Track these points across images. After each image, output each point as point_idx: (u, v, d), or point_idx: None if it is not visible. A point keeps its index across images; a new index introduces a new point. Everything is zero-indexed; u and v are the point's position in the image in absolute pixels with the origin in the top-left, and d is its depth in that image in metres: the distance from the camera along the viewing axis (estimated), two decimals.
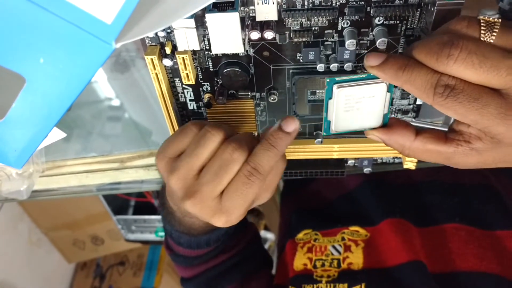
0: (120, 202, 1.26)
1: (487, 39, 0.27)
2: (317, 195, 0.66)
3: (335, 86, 0.32)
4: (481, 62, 0.26)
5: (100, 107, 0.52)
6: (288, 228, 0.65)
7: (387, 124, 0.34)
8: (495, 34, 0.27)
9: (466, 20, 0.28)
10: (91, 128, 0.54)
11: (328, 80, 0.32)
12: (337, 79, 0.32)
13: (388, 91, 0.33)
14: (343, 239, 0.55)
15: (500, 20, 0.27)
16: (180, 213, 0.46)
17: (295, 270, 0.55)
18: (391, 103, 0.34)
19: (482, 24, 0.27)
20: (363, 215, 0.58)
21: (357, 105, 0.33)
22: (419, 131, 0.32)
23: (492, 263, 0.48)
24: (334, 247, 0.55)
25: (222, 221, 0.37)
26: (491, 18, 0.27)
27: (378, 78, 0.31)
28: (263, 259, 0.62)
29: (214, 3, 0.32)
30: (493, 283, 0.47)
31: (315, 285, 0.51)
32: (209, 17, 0.32)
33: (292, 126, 0.36)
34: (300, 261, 0.56)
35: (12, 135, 0.30)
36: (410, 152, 0.32)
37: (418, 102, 0.42)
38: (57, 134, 0.46)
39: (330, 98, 0.33)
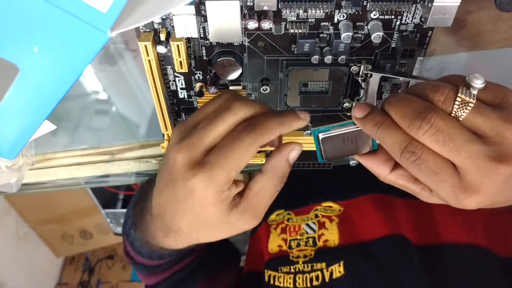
0: (109, 196, 1.25)
1: (457, 115, 0.29)
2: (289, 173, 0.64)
3: (320, 135, 0.34)
4: (446, 141, 0.28)
5: (87, 100, 0.51)
6: None
7: (376, 149, 0.36)
8: (465, 113, 0.29)
9: (445, 93, 0.30)
10: (79, 121, 0.53)
11: (311, 130, 0.34)
12: (320, 128, 0.34)
13: None
14: (316, 216, 0.54)
15: (475, 101, 0.29)
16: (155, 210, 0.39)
17: (270, 253, 0.54)
18: None
19: (457, 101, 0.29)
20: (337, 190, 0.57)
21: (344, 141, 0.36)
22: (396, 166, 0.35)
23: (479, 236, 0.48)
24: (308, 225, 0.54)
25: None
26: (466, 98, 0.29)
27: None
28: (228, 252, 0.60)
29: None
30: (479, 256, 0.47)
31: (291, 267, 0.50)
32: (209, 5, 0.32)
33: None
34: (274, 243, 0.54)
35: (5, 126, 0.30)
36: (385, 182, 0.36)
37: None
38: (47, 127, 0.45)
39: (317, 145, 0.35)
